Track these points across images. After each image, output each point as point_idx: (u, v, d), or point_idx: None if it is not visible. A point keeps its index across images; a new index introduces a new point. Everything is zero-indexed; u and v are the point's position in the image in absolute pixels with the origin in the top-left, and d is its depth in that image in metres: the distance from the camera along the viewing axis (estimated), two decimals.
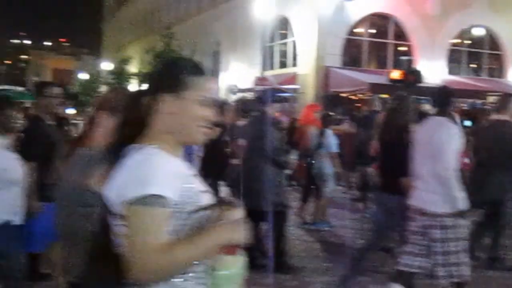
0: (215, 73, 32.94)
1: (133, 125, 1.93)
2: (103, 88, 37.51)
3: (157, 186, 1.74)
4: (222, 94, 28.49)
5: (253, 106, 6.39)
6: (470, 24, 26.35)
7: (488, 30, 27.09)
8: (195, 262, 1.83)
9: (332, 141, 8.38)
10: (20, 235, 4.25)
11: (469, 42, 27.22)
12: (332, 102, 18.85)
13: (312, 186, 8.63)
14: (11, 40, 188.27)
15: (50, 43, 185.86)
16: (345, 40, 23.96)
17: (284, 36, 26.63)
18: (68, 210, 2.36)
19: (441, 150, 4.68)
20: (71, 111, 15.52)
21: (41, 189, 4.50)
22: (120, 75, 37.75)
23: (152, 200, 1.73)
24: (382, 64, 25.01)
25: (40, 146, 4.68)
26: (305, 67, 23.89)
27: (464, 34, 26.69)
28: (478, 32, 27.12)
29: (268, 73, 23.99)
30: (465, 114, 13.51)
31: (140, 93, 2.01)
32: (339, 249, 7.57)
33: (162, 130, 1.92)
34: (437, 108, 5.10)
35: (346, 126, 11.74)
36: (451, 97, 5.16)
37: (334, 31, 23.19)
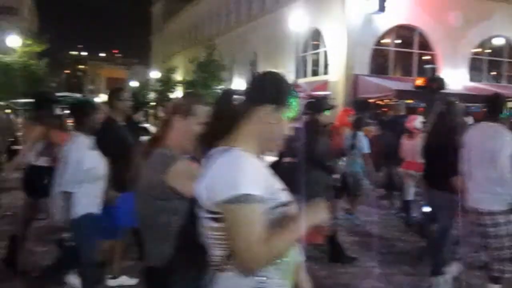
0: None
1: (221, 128, 1.98)
2: (152, 95, 38.01)
3: (249, 185, 1.79)
4: None
5: (304, 112, 6.37)
6: (491, 34, 25.86)
7: (507, 40, 26.58)
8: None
9: (364, 142, 8.33)
10: (99, 224, 4.38)
11: (490, 51, 26.65)
12: (360, 107, 18.73)
13: (344, 184, 8.61)
14: (70, 52, 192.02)
15: (104, 54, 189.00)
16: (373, 50, 23.75)
17: (316, 47, 26.50)
18: (146, 202, 2.40)
19: (496, 155, 4.68)
20: None
21: (115, 182, 4.63)
22: (167, 83, 38.19)
23: (246, 198, 1.77)
24: (407, 72, 24.70)
25: (114, 144, 4.76)
26: (335, 75, 23.77)
27: (484, 43, 26.17)
28: (498, 42, 26.59)
29: (301, 81, 23.95)
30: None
31: (231, 100, 2.06)
32: (370, 242, 7.54)
33: (250, 136, 1.97)
34: (489, 115, 5.02)
35: (373, 129, 11.65)
36: (502, 104, 5.09)
37: (362, 42, 23.01)
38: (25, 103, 25.36)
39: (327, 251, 6.45)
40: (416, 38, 24.89)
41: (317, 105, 6.26)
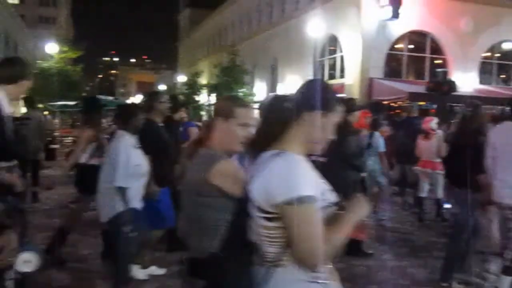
0: (273, 84, 33.11)
1: (272, 132, 2.01)
2: (179, 97, 38.22)
3: (307, 187, 1.81)
4: None
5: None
6: (500, 39, 25.43)
7: None
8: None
9: (380, 142, 8.29)
10: (141, 218, 4.48)
11: (499, 55, 26.22)
12: (376, 109, 18.64)
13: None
14: (103, 58, 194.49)
15: (134, 60, 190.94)
16: (387, 55, 23.57)
17: (333, 52, 26.35)
18: (191, 198, 2.43)
19: None
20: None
21: (155, 178, 4.74)
22: (192, 86, 38.43)
23: (306, 200, 1.78)
24: (419, 75, 24.45)
25: (153, 144, 4.84)
26: (351, 78, 23.63)
27: (494, 48, 25.75)
28: (507, 46, 26.13)
29: None
30: (496, 119, 13.10)
31: (282, 106, 2.07)
32: (385, 236, 7.50)
33: (299, 139, 1.99)
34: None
35: (387, 129, 11.59)
36: None
37: (377, 47, 22.87)
38: (62, 105, 25.81)
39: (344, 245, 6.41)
40: (428, 43, 24.62)
41: (348, 105, 6.23)
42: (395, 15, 22.41)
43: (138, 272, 5.23)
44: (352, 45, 23.63)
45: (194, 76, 40.16)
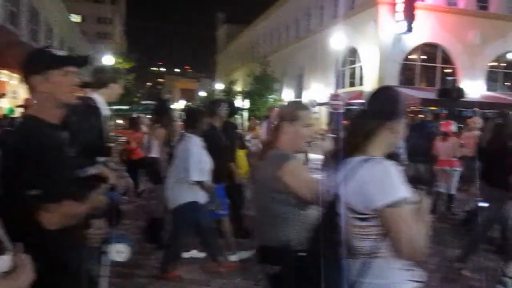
0: (299, 91, 32.97)
1: (357, 140, 1.99)
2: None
3: (403, 189, 1.81)
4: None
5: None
6: (505, 50, 24.79)
7: None
8: None
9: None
10: (204, 208, 4.62)
11: (505, 64, 25.53)
12: None
13: None
14: (151, 68, 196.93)
15: (179, 70, 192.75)
16: (401, 65, 23.27)
17: (353, 62, 26.15)
18: (263, 193, 2.43)
19: None
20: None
21: (213, 175, 4.76)
22: (228, 93, 38.55)
23: (404, 201, 1.79)
24: (431, 83, 24.04)
25: (215, 145, 4.90)
26: (369, 86, 23.34)
27: (500, 58, 25.10)
28: None
29: (340, 91, 23.69)
30: None
31: (366, 116, 2.06)
32: None
33: (380, 146, 1.99)
34: None
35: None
36: None
37: (392, 58, 22.63)
38: (117, 109, 26.28)
39: None
40: (439, 54, 24.22)
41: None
42: (409, 29, 22.12)
43: (197, 254, 5.29)
44: (370, 56, 23.42)
45: (230, 84, 40.28)
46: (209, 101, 6.28)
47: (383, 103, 2.04)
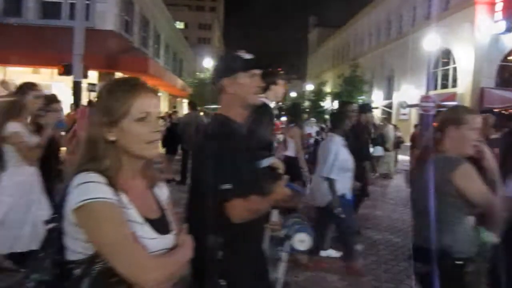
0: (389, 92, 31.92)
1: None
2: (306, 103, 38.40)
3: None
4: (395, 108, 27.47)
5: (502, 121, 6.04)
6: None
7: None
8: None
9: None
10: (350, 204, 4.72)
11: None
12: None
13: None
14: None
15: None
16: (499, 66, 21.58)
17: (446, 64, 24.73)
18: (426, 197, 2.36)
19: None
20: (283, 119, 16.14)
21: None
22: (318, 94, 38.31)
23: None
24: None
25: (352, 144, 4.92)
26: (463, 88, 22.07)
27: None
28: None
29: (432, 93, 22.57)
30: None
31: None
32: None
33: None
34: None
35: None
36: None
37: (489, 59, 21.08)
38: (214, 108, 27.29)
39: None
40: None
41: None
42: (509, 29, 20.45)
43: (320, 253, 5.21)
44: (464, 57, 22.04)
45: (319, 85, 40.01)
46: (340, 103, 6.36)
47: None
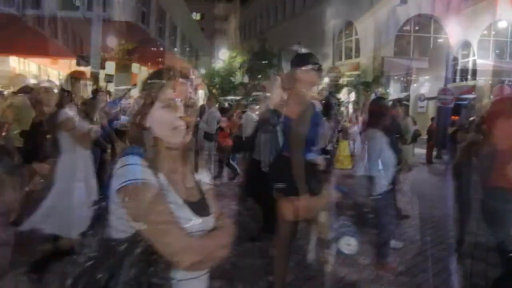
0: (408, 85, 31.50)
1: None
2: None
3: None
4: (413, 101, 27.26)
5: None
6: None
7: None
8: None
9: None
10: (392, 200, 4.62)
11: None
12: None
13: None
14: (263, 62, 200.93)
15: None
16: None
17: (465, 56, 24.48)
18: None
19: None
20: None
21: None
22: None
23: None
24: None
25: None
26: (482, 80, 21.74)
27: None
28: None
29: (450, 86, 22.23)
30: None
31: None
32: None
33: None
34: None
35: None
36: None
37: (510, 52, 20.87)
38: (230, 100, 27.23)
39: None
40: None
41: None
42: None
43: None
44: (484, 50, 22.27)
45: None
46: (375, 98, 6.15)
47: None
